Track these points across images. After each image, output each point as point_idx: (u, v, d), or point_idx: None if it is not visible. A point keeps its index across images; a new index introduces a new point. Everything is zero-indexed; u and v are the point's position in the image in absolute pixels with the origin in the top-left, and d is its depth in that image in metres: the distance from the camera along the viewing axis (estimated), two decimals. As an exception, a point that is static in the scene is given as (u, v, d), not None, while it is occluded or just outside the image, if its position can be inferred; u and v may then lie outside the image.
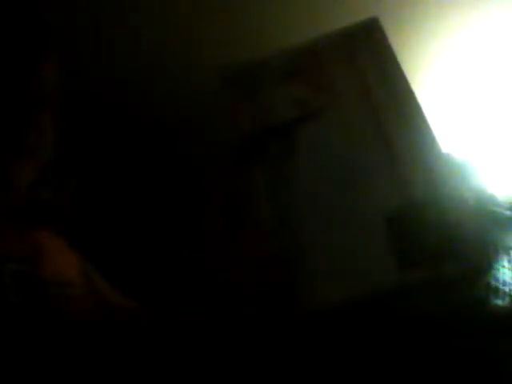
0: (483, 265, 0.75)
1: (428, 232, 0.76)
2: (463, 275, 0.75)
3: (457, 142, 1.65)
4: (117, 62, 1.61)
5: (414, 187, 0.81)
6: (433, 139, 0.87)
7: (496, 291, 1.14)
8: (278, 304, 0.78)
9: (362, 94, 0.94)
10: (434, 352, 0.80)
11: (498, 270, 1.16)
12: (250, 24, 1.55)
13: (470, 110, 1.69)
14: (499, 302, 1.13)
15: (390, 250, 0.76)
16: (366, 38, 1.00)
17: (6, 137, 0.77)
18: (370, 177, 0.85)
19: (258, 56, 1.05)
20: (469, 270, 0.75)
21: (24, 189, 0.82)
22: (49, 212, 0.87)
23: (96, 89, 1.60)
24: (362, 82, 0.95)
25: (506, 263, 1.18)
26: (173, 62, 1.61)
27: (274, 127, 0.92)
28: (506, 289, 1.14)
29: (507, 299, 1.13)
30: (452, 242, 0.74)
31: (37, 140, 0.81)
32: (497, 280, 1.15)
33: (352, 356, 0.78)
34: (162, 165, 1.78)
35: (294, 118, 0.91)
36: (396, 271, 0.75)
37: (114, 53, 1.59)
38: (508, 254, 1.20)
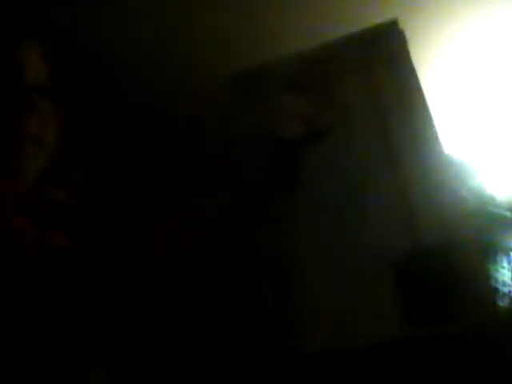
0: (489, 321, 0.71)
1: (433, 284, 0.71)
2: (467, 333, 0.73)
3: (457, 142, 1.65)
4: (116, 62, 1.61)
5: (422, 231, 0.75)
6: (446, 165, 0.80)
7: (496, 292, 1.15)
8: (277, 345, 0.77)
9: (374, 111, 0.87)
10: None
11: (498, 270, 1.16)
12: (256, 21, 1.53)
13: (470, 111, 1.70)
14: (499, 303, 1.13)
15: (394, 299, 0.73)
16: (382, 46, 0.91)
17: (6, 123, 0.78)
18: (376, 215, 0.80)
19: (266, 57, 1.00)
20: (473, 328, 0.72)
21: (34, 178, 0.82)
22: (59, 211, 0.88)
23: (95, 86, 1.60)
24: (374, 96, 0.88)
25: (505, 264, 1.18)
26: (173, 62, 1.61)
27: (279, 144, 0.86)
28: (506, 289, 1.14)
29: (507, 300, 1.14)
30: (457, 295, 0.70)
31: (39, 127, 0.81)
32: (496, 281, 1.15)
33: None
34: (161, 162, 1.79)
35: (299, 137, 0.85)
36: (399, 325, 0.71)
37: (115, 53, 1.59)
38: (507, 255, 1.20)
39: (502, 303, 1.13)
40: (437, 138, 0.81)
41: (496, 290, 1.13)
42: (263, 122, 0.84)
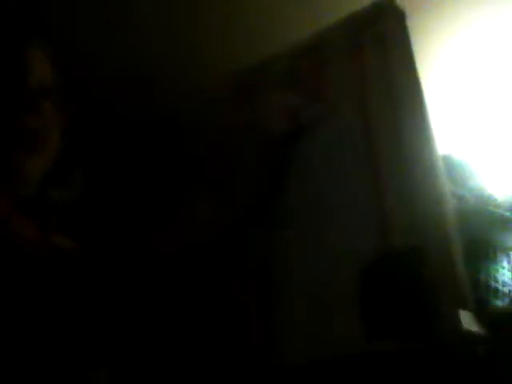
0: (456, 339, 0.67)
1: (399, 293, 0.67)
2: (430, 351, 0.68)
3: (457, 142, 1.65)
4: (117, 62, 1.61)
5: (394, 234, 0.70)
6: (431, 158, 0.73)
7: (496, 292, 1.15)
8: (258, 356, 0.75)
9: (359, 101, 0.79)
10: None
11: (498, 270, 1.17)
12: (256, 21, 1.53)
13: (470, 111, 1.70)
14: (499, 303, 1.13)
15: (359, 308, 0.69)
16: (375, 27, 0.82)
17: (8, 122, 0.78)
18: (349, 215, 0.75)
19: (262, 54, 0.97)
20: (437, 347, 0.67)
21: (36, 180, 0.83)
22: (57, 212, 0.88)
23: (95, 86, 1.60)
24: (360, 85, 0.80)
25: (505, 264, 1.18)
26: (172, 62, 1.61)
27: (271, 141, 0.83)
28: (506, 289, 1.14)
29: (507, 300, 1.14)
30: (425, 307, 0.65)
31: (43, 128, 0.81)
32: (496, 281, 1.15)
33: None
34: (160, 161, 1.79)
35: (288, 132, 0.81)
36: (362, 339, 0.67)
37: (115, 53, 1.59)
38: (507, 255, 1.21)
39: (502, 303, 1.13)
40: (429, 132, 0.75)
41: (496, 289, 1.13)
42: (257, 120, 0.83)
